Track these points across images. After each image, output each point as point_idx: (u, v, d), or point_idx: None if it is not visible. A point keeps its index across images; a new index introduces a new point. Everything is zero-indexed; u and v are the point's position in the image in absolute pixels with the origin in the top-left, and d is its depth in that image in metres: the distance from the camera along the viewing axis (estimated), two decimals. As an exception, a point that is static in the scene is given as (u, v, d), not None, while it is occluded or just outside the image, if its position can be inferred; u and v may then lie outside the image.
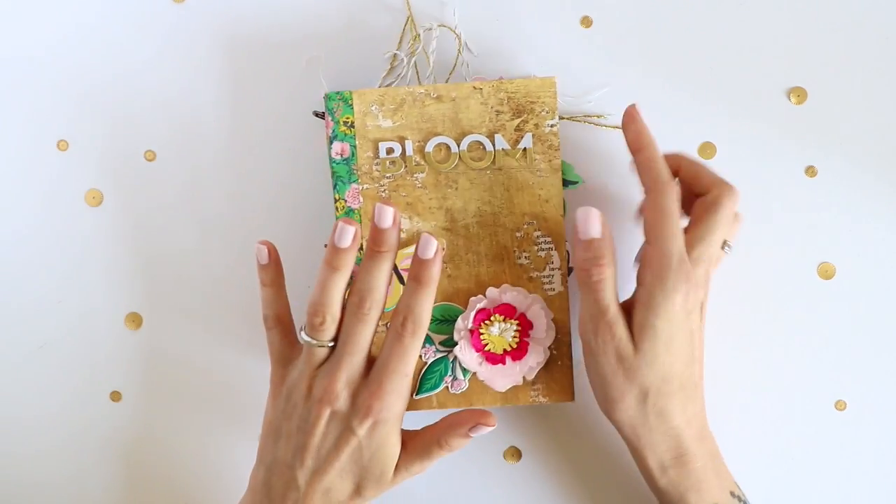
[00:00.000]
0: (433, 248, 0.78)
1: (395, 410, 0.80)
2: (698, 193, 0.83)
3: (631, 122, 0.83)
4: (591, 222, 0.80)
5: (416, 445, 0.82)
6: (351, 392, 0.80)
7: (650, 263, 0.79)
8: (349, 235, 0.78)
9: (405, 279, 0.86)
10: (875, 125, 0.91)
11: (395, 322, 0.79)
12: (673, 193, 0.80)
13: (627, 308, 0.81)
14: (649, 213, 0.80)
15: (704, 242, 0.81)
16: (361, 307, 0.79)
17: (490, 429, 0.82)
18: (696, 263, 0.80)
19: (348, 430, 0.79)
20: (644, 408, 0.80)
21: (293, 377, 0.82)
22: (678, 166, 0.85)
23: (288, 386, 0.82)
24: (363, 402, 0.79)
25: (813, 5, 0.90)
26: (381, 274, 0.79)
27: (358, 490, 0.81)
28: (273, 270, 0.84)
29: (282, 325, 0.84)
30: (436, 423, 0.83)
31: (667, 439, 0.81)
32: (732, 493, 0.83)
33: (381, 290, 0.79)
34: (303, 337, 0.81)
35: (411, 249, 0.85)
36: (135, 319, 0.94)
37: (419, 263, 0.79)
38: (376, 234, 0.78)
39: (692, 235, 0.81)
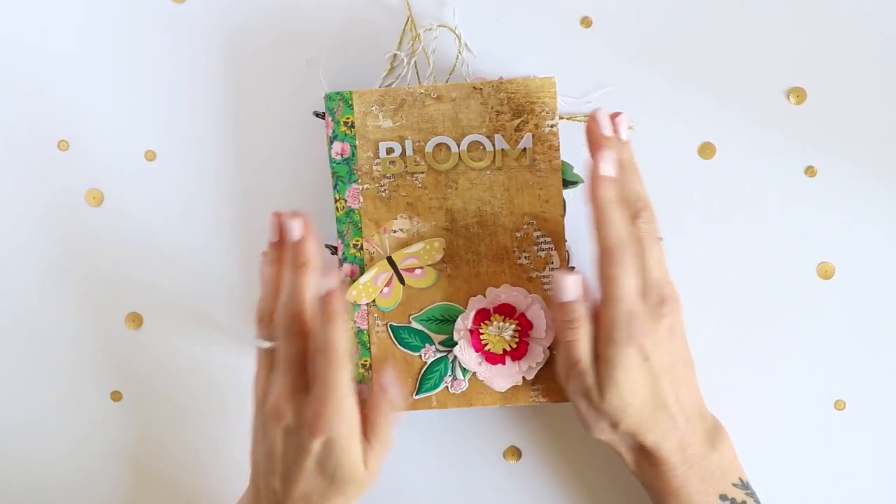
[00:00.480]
0: (330, 283, 0.77)
1: (344, 425, 0.78)
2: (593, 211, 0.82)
3: (592, 178, 0.81)
4: (567, 288, 0.80)
5: (369, 432, 0.81)
6: (295, 407, 0.79)
7: (600, 322, 0.80)
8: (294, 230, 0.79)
9: (404, 280, 0.86)
10: (875, 125, 0.91)
11: (314, 357, 0.78)
12: (624, 258, 0.79)
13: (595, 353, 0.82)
14: (599, 275, 0.80)
15: (648, 269, 0.81)
16: (285, 327, 0.79)
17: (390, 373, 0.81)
18: (650, 294, 0.81)
19: (302, 447, 0.78)
20: (617, 432, 0.82)
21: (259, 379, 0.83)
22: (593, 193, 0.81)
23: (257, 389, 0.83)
24: (309, 421, 0.78)
25: (813, 5, 0.90)
26: (301, 289, 0.79)
27: (337, 490, 0.80)
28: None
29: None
30: (367, 403, 0.81)
31: (642, 451, 0.83)
32: (722, 497, 0.83)
33: (304, 308, 0.79)
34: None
35: (411, 249, 0.85)
36: (135, 319, 0.94)
37: (321, 301, 0.77)
38: (293, 249, 0.79)
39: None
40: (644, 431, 0.81)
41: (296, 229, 0.79)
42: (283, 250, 0.82)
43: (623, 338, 0.79)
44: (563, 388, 0.84)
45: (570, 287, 0.80)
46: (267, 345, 0.83)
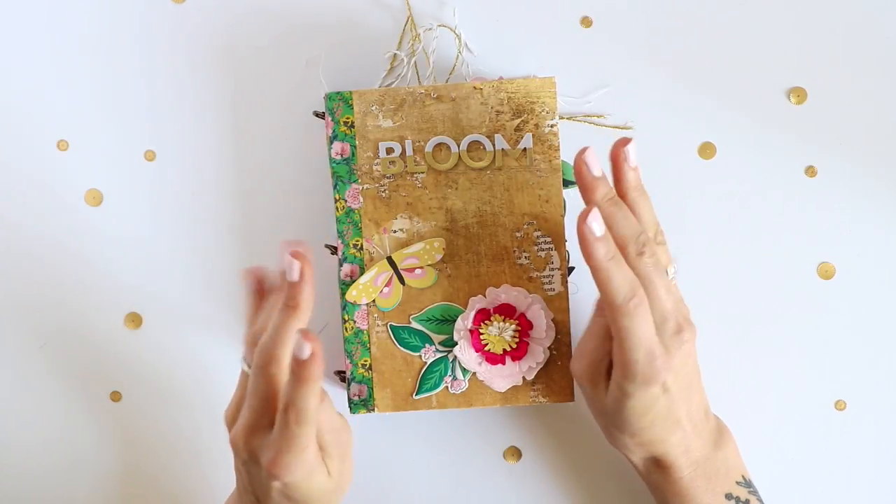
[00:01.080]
0: (307, 350, 0.71)
1: (301, 471, 0.75)
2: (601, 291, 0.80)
3: (581, 237, 0.78)
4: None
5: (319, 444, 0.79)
6: (252, 446, 0.76)
7: (617, 356, 0.79)
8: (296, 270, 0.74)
9: (404, 280, 0.86)
10: (875, 125, 0.91)
11: (280, 408, 0.74)
12: (635, 308, 0.77)
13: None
14: (612, 324, 0.78)
15: (660, 304, 0.80)
16: (259, 363, 0.76)
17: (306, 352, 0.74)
18: (664, 326, 0.80)
19: (263, 483, 0.77)
20: (632, 441, 0.82)
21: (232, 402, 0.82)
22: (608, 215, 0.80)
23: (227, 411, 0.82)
24: (266, 465, 0.75)
25: (813, 5, 0.90)
26: (284, 330, 0.75)
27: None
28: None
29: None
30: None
31: (652, 458, 0.83)
32: (728, 496, 0.83)
33: (284, 350, 0.75)
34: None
35: (411, 249, 0.85)
36: (135, 319, 0.94)
37: (296, 363, 0.72)
38: (287, 288, 0.75)
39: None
40: (656, 444, 0.81)
41: (294, 271, 0.74)
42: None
43: (644, 380, 0.78)
44: (579, 384, 0.83)
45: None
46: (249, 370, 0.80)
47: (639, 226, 0.80)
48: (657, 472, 0.83)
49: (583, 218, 0.77)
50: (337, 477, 0.79)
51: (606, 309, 0.78)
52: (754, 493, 0.85)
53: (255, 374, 0.76)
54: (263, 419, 0.76)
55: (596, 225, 0.77)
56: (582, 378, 0.82)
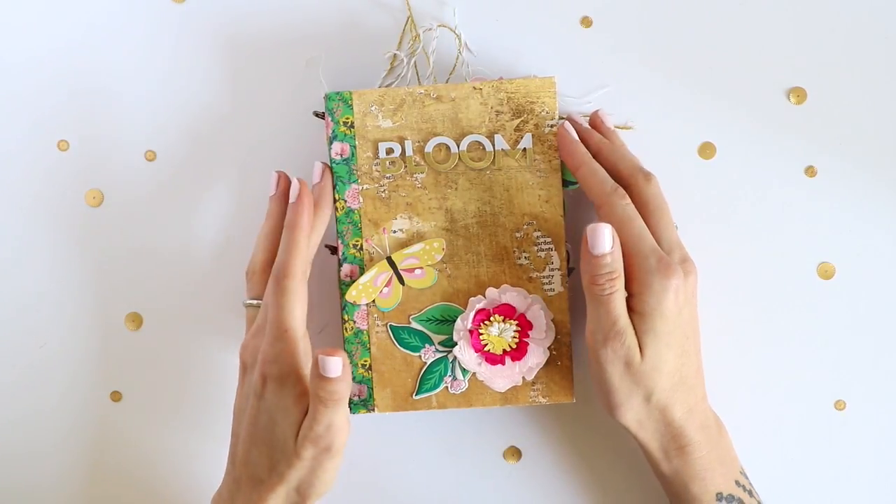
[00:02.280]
0: (337, 366, 0.76)
1: (287, 365, 0.80)
2: (593, 202, 0.84)
3: (563, 141, 0.86)
4: (603, 238, 0.81)
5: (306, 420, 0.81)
6: (254, 348, 0.83)
7: (631, 272, 0.81)
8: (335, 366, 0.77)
9: (404, 280, 0.86)
10: (875, 125, 0.91)
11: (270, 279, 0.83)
12: (623, 199, 0.82)
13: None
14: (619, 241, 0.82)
15: (662, 231, 0.83)
16: (274, 275, 0.83)
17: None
18: (671, 253, 0.82)
19: (255, 384, 0.81)
20: (647, 407, 0.82)
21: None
22: (598, 150, 0.85)
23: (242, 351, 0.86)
24: (260, 356, 0.81)
25: (813, 5, 0.90)
26: (294, 246, 0.83)
27: (272, 466, 0.80)
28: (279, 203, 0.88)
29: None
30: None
31: (669, 431, 0.83)
32: (737, 483, 0.84)
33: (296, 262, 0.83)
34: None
35: (411, 249, 0.86)
36: (135, 319, 0.94)
37: (319, 380, 0.77)
38: (323, 382, 0.77)
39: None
40: (672, 404, 0.82)
41: (295, 190, 0.83)
42: (281, 206, 0.87)
43: (658, 283, 0.80)
44: (594, 357, 0.83)
45: (607, 237, 0.81)
46: (254, 302, 0.86)
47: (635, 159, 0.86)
48: (677, 454, 0.83)
49: (563, 126, 0.86)
50: (300, 452, 0.80)
51: (598, 208, 0.83)
52: (752, 485, 0.86)
53: (274, 292, 0.82)
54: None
55: (571, 129, 0.85)
56: (608, 338, 0.81)
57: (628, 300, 0.82)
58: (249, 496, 0.81)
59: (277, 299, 0.81)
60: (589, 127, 0.88)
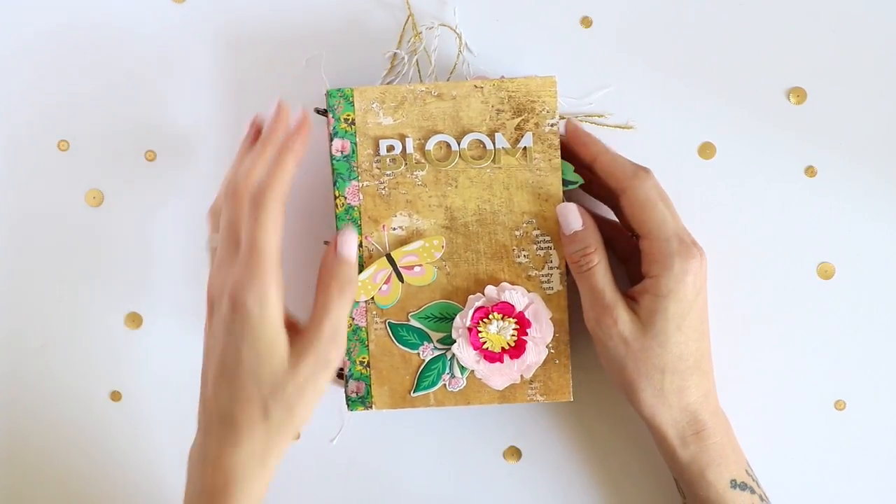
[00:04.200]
0: (354, 243, 0.82)
1: (261, 293, 0.78)
2: (615, 189, 0.84)
3: (576, 134, 0.86)
4: (571, 216, 0.83)
5: (311, 319, 0.81)
6: (221, 282, 0.81)
7: (651, 255, 0.82)
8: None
9: (403, 278, 0.86)
10: (875, 125, 0.91)
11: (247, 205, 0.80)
12: (645, 181, 0.83)
13: (632, 296, 0.83)
14: (632, 210, 0.83)
15: (669, 222, 0.83)
16: (229, 191, 0.82)
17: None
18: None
19: (225, 317, 0.79)
20: (662, 386, 0.82)
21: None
22: (594, 158, 0.85)
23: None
24: (231, 284, 0.79)
25: (813, 5, 0.91)
26: (280, 170, 0.81)
27: (248, 400, 0.79)
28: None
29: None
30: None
31: (686, 415, 0.83)
32: (747, 471, 0.84)
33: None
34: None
35: (411, 247, 0.85)
36: (135, 319, 0.94)
37: (336, 265, 0.80)
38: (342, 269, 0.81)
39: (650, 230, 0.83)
40: (688, 387, 0.82)
41: (297, 117, 0.82)
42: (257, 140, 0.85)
43: (678, 265, 0.81)
44: (594, 340, 0.84)
45: (575, 215, 0.83)
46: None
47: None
48: (694, 440, 0.83)
49: (570, 121, 0.87)
50: (294, 372, 0.79)
51: (621, 193, 0.83)
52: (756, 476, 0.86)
53: (224, 204, 0.80)
54: (230, 252, 0.80)
55: (578, 123, 0.87)
56: (599, 314, 0.82)
57: (645, 281, 0.82)
58: (222, 439, 0.79)
59: (256, 217, 0.78)
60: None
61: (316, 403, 0.80)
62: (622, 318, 0.81)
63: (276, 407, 0.78)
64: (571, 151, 0.86)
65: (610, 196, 0.86)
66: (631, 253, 0.88)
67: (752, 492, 0.83)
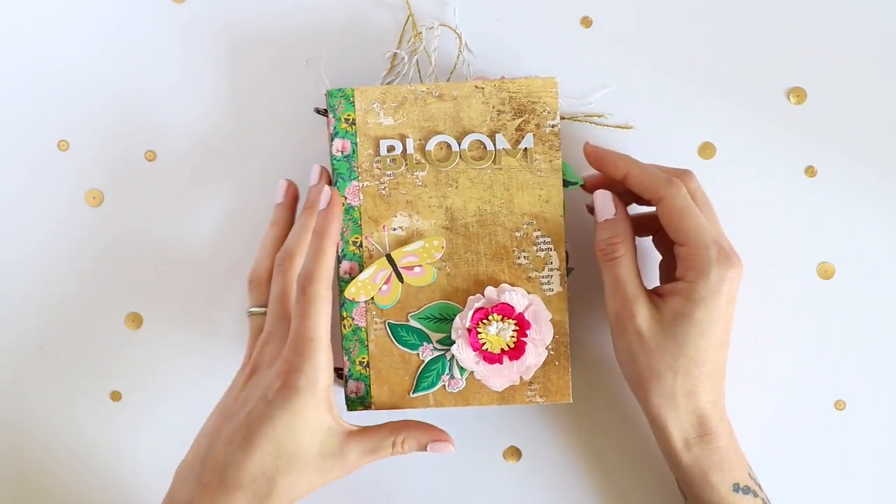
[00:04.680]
0: (326, 196, 0.83)
1: (311, 377, 0.79)
2: (650, 200, 0.84)
3: (599, 154, 0.86)
4: (607, 203, 0.84)
5: (367, 436, 0.82)
6: (265, 354, 0.83)
7: (689, 262, 0.81)
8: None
9: (403, 278, 0.86)
10: (875, 125, 0.91)
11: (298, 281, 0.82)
12: (680, 189, 0.82)
13: (660, 294, 0.83)
14: (668, 219, 0.82)
15: (712, 224, 0.83)
16: (279, 261, 0.86)
17: (446, 452, 0.83)
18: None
19: (262, 396, 0.79)
20: (673, 387, 0.82)
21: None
22: (625, 174, 0.85)
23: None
24: (279, 363, 0.80)
25: (813, 5, 0.91)
26: (305, 233, 0.85)
27: (263, 472, 0.79)
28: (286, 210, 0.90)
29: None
30: (395, 423, 0.83)
31: (692, 418, 0.82)
32: (750, 475, 0.84)
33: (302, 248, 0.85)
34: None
35: (411, 247, 0.85)
36: (135, 319, 0.94)
37: (320, 215, 0.83)
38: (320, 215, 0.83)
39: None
40: (701, 391, 0.82)
41: (326, 196, 0.84)
42: (289, 214, 0.90)
43: (716, 273, 0.80)
44: (612, 329, 0.84)
45: (609, 203, 0.84)
46: (259, 310, 0.87)
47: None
48: (698, 443, 0.83)
49: (589, 145, 0.87)
50: (344, 458, 0.81)
51: (658, 203, 0.82)
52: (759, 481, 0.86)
53: (274, 275, 0.85)
54: (280, 327, 0.83)
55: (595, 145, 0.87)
56: (619, 306, 0.82)
57: (679, 284, 0.82)
58: (215, 497, 0.79)
59: (303, 308, 0.79)
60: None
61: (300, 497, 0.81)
62: (641, 312, 0.81)
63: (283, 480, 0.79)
64: (599, 171, 0.86)
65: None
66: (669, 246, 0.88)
67: (755, 496, 0.83)
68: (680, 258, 0.82)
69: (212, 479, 0.79)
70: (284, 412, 0.78)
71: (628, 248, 0.83)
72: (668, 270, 0.87)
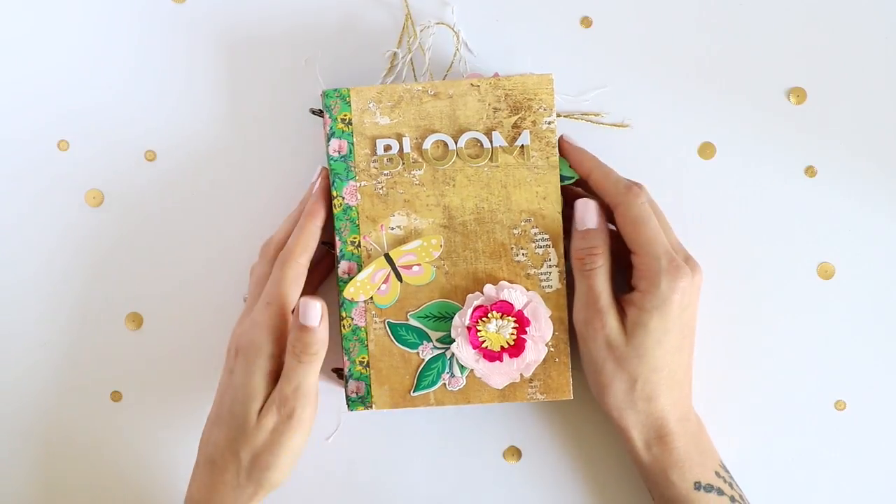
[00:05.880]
0: (316, 311, 0.81)
1: (249, 335, 0.83)
2: (609, 204, 0.85)
3: (570, 152, 0.87)
4: (588, 213, 0.84)
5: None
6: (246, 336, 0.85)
7: (641, 271, 0.82)
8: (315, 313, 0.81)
9: (402, 277, 0.86)
10: (875, 125, 0.91)
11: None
12: (639, 198, 0.83)
13: (622, 304, 0.84)
14: (624, 226, 0.83)
15: (666, 233, 0.84)
16: (278, 258, 0.86)
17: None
18: (677, 254, 0.83)
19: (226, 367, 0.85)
20: (632, 393, 0.83)
21: None
22: (588, 173, 0.86)
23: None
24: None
25: (813, 5, 0.91)
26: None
27: (227, 445, 0.83)
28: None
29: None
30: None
31: (651, 420, 0.83)
32: (717, 473, 0.85)
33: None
34: None
35: (409, 246, 0.85)
36: (135, 319, 0.94)
37: (296, 331, 0.81)
38: (300, 332, 0.81)
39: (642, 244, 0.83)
40: (658, 395, 0.83)
41: (315, 313, 0.82)
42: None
43: (665, 283, 0.81)
44: (578, 335, 0.85)
45: (593, 213, 0.84)
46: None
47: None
48: (657, 444, 0.84)
49: (563, 138, 0.88)
50: (259, 426, 0.83)
51: (615, 208, 0.83)
52: (732, 478, 0.86)
53: (257, 263, 0.88)
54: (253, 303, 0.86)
55: (571, 138, 0.88)
56: (590, 316, 0.83)
57: (634, 294, 0.82)
58: (203, 480, 0.84)
59: (276, 272, 0.84)
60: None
61: (288, 458, 0.83)
62: (610, 324, 0.82)
63: (251, 451, 0.82)
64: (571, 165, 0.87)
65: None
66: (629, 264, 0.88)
67: (721, 493, 0.84)
68: (634, 267, 0.83)
69: (200, 459, 0.86)
70: (232, 387, 0.83)
71: (605, 260, 0.83)
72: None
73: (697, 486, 0.83)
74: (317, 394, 0.83)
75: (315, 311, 0.80)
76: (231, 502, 0.83)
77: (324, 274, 0.92)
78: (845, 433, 0.92)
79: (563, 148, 0.86)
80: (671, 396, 0.83)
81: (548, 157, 0.85)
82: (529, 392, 0.86)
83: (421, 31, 0.89)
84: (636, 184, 0.84)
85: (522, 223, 0.85)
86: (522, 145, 0.85)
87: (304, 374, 0.81)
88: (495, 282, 0.86)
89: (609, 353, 0.82)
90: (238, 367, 0.83)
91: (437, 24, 0.90)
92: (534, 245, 0.86)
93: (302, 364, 0.80)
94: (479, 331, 0.85)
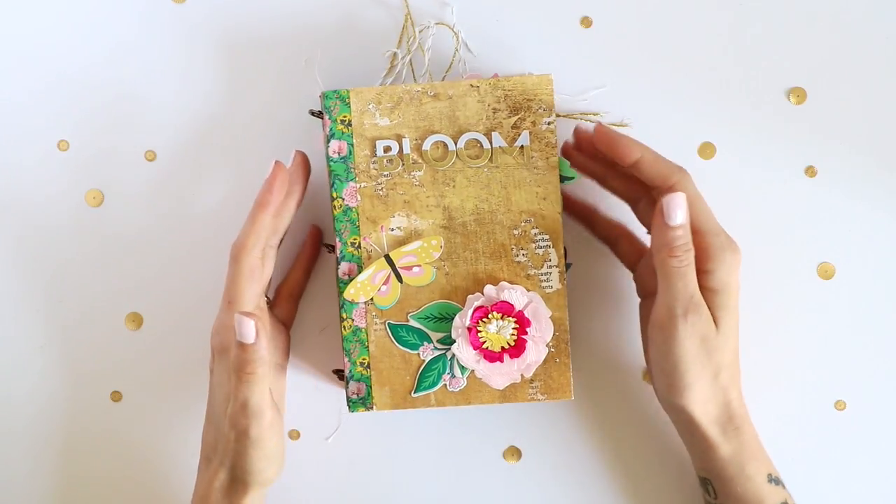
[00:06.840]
0: (249, 328, 0.79)
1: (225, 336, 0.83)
2: (659, 186, 0.84)
3: (612, 140, 0.84)
4: (680, 208, 0.81)
5: None
6: (224, 338, 0.84)
7: (702, 250, 0.81)
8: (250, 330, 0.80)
9: (402, 278, 0.86)
10: (875, 125, 0.91)
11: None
12: (690, 179, 0.83)
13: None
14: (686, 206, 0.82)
15: (714, 218, 0.84)
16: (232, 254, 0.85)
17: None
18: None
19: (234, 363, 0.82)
20: (715, 385, 0.82)
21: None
22: (639, 157, 0.84)
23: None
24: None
25: (813, 5, 0.90)
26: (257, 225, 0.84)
27: (215, 445, 0.85)
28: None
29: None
30: None
31: (729, 410, 0.83)
32: (770, 476, 0.85)
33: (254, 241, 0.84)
34: None
35: (409, 247, 0.85)
36: (135, 319, 0.94)
37: (235, 348, 0.81)
38: (237, 349, 0.81)
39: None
40: (731, 384, 0.83)
41: (269, 170, 0.84)
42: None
43: (729, 258, 0.81)
44: (669, 334, 0.82)
45: (683, 207, 0.81)
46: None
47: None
48: (734, 434, 0.83)
49: (601, 125, 0.85)
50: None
51: (672, 188, 0.82)
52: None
53: (229, 266, 0.84)
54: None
55: (608, 127, 0.85)
56: (687, 313, 0.81)
57: (699, 276, 0.82)
58: (202, 477, 0.85)
59: (229, 272, 0.83)
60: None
61: (264, 462, 0.82)
62: (706, 315, 0.81)
63: (228, 456, 0.83)
64: (608, 154, 0.85)
65: (635, 195, 0.87)
66: (637, 258, 0.88)
67: (784, 487, 0.85)
68: (697, 247, 0.82)
69: (201, 456, 0.86)
70: (216, 384, 0.84)
71: (693, 256, 0.81)
72: (643, 283, 0.88)
73: (769, 478, 0.83)
74: (271, 405, 0.82)
75: (248, 328, 0.78)
76: (225, 499, 0.83)
77: (310, 257, 0.93)
78: (845, 433, 0.92)
79: (605, 136, 0.84)
80: (737, 383, 0.84)
81: (547, 158, 0.85)
82: (530, 392, 0.86)
83: (420, 31, 0.89)
84: (682, 166, 0.84)
85: (522, 224, 0.85)
86: (522, 146, 0.85)
87: (249, 392, 0.80)
88: (495, 282, 0.86)
89: (703, 346, 0.81)
90: (216, 368, 0.84)
91: (437, 24, 0.90)
92: (534, 245, 0.86)
93: (243, 382, 0.79)
94: (480, 331, 0.85)
